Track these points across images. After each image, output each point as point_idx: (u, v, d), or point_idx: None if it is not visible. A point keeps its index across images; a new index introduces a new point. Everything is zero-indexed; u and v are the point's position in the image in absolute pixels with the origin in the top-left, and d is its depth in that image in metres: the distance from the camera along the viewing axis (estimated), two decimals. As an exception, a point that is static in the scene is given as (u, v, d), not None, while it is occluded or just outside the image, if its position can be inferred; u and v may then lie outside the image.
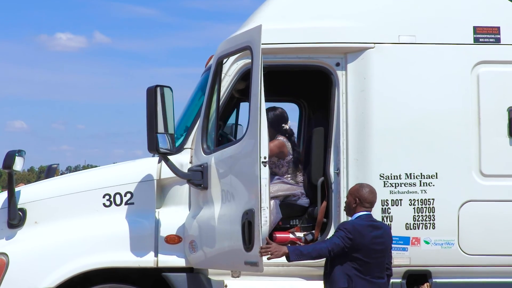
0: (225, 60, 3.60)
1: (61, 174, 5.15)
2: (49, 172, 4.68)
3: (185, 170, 3.62)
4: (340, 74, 3.76)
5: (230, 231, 3.31)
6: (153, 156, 3.87)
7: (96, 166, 4.90)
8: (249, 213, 3.09)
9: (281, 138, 4.07)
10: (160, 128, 3.31)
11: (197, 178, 3.49)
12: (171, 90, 3.47)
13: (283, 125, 4.18)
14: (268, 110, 4.07)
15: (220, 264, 3.56)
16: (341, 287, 3.07)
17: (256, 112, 3.08)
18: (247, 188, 3.18)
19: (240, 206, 3.23)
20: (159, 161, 3.71)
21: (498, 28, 3.76)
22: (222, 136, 4.55)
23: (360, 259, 3.07)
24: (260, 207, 3.00)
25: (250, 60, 3.30)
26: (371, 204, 3.24)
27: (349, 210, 3.27)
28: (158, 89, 3.33)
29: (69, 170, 6.16)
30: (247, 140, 3.26)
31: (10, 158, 3.62)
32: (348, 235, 3.03)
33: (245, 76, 3.71)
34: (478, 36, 3.76)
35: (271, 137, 3.86)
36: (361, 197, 3.18)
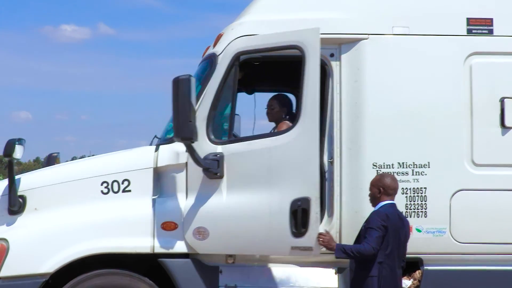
0: (243, 57, 3.71)
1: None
2: (49, 160, 4.76)
3: (182, 159, 3.71)
4: (334, 64, 3.82)
5: (268, 218, 3.52)
6: (150, 143, 3.96)
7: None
8: (302, 201, 3.41)
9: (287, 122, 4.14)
10: (192, 116, 3.39)
11: (214, 167, 3.58)
12: None
13: (288, 112, 4.29)
14: (281, 98, 4.34)
15: (249, 249, 3.71)
16: (373, 275, 3.25)
17: (315, 111, 3.42)
18: (300, 178, 3.46)
19: (287, 194, 3.48)
20: (156, 150, 3.79)
21: (491, 19, 3.81)
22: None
23: (390, 246, 3.27)
24: (319, 196, 3.45)
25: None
26: (395, 191, 3.45)
27: (374, 200, 3.45)
28: (191, 78, 3.41)
29: (75, 159, 6.30)
30: (299, 135, 3.50)
31: (10, 146, 3.70)
32: (383, 223, 3.24)
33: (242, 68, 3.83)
34: (471, 27, 3.80)
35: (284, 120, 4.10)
36: (385, 186, 3.38)
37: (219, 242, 3.64)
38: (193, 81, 3.42)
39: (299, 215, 3.45)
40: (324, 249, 3.45)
